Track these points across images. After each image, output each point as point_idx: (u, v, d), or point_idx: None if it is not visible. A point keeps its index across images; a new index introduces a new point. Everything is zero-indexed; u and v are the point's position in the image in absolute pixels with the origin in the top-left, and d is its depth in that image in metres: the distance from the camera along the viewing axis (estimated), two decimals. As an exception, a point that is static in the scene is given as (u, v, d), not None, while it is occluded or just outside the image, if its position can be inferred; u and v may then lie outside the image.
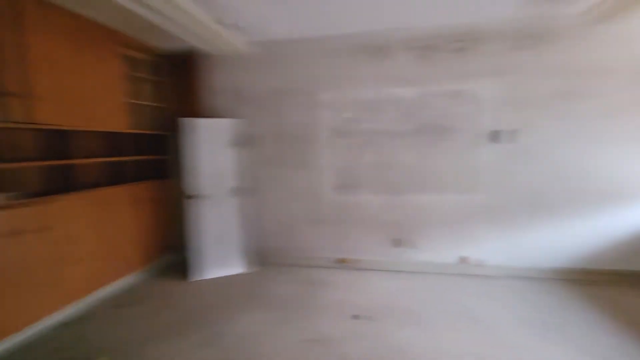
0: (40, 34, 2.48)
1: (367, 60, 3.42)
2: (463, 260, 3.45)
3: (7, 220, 2.31)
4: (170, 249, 3.98)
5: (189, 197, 3.47)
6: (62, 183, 2.77)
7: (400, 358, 2.16)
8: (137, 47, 3.47)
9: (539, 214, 3.25)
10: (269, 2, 2.67)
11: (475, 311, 2.71)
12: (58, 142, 2.72)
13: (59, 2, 2.57)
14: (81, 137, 2.94)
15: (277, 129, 3.72)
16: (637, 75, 2.95)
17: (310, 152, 3.67)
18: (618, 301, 2.79)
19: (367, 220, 3.63)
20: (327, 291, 3.15)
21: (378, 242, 3.64)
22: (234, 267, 3.65)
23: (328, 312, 2.77)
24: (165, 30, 2.80)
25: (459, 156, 3.34)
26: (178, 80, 3.85)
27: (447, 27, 3.21)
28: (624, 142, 3.03)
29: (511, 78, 3.14)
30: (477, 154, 3.30)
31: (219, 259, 3.58)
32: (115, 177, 3.29)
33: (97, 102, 2.99)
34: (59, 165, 2.74)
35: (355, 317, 2.66)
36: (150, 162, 3.72)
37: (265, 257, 3.87)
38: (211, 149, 3.50)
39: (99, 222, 3.04)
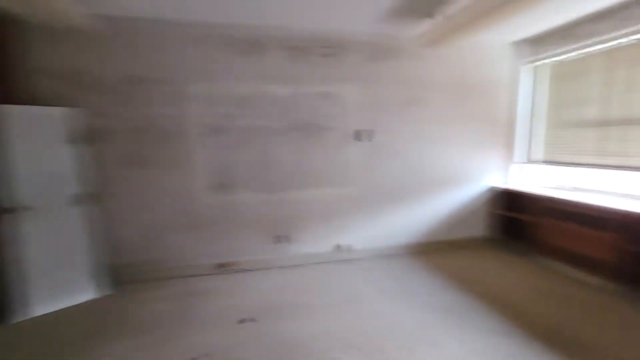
0: None
1: (241, 55, 3.29)
2: (337, 248, 3.81)
3: None
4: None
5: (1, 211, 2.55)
6: None
7: (294, 349, 2.21)
8: None
9: (394, 201, 3.91)
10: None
11: (350, 292, 3.04)
12: None
13: None
14: None
15: (135, 123, 3.15)
16: (456, 92, 3.88)
17: (180, 150, 3.27)
18: (442, 265, 3.66)
19: (246, 220, 3.53)
20: (208, 300, 2.91)
21: (259, 241, 3.60)
22: (82, 294, 2.92)
23: (212, 322, 2.56)
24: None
25: (331, 153, 3.65)
26: (-30, 48, 2.74)
27: (319, 32, 3.42)
28: (448, 142, 3.96)
29: (369, 85, 3.64)
30: (346, 151, 3.68)
31: (58, 286, 2.79)
32: None
33: None
34: None
35: (242, 321, 2.56)
36: None
37: (127, 274, 3.25)
38: (35, 147, 2.66)
39: None
